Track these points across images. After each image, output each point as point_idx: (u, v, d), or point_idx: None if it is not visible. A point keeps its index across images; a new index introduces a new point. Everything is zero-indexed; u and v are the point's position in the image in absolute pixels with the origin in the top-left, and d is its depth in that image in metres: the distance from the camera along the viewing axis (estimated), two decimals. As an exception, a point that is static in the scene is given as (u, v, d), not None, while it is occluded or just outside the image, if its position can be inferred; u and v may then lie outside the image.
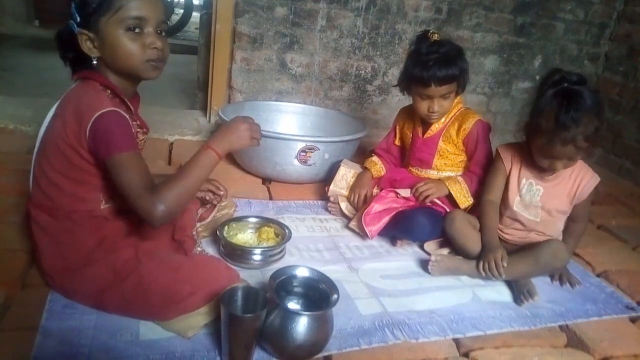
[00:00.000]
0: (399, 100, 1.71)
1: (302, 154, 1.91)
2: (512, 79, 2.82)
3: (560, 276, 1.53)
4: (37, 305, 1.12)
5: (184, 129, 2.44)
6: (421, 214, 1.58)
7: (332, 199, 1.82)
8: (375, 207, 1.63)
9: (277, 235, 1.52)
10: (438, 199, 1.64)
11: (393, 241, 1.66)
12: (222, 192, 1.47)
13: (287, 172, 1.97)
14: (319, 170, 1.98)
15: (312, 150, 1.91)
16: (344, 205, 1.79)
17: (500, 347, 1.22)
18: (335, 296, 1.11)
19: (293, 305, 1.21)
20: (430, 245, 1.62)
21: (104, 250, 1.15)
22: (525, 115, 1.53)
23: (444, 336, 1.22)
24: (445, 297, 1.39)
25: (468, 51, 2.61)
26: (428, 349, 1.18)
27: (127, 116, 1.12)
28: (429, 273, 1.48)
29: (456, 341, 1.22)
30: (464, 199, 1.63)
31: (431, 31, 1.58)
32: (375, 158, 1.85)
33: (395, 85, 1.70)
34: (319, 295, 1.16)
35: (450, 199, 1.64)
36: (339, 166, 1.84)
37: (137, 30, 1.09)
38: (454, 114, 1.67)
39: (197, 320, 1.10)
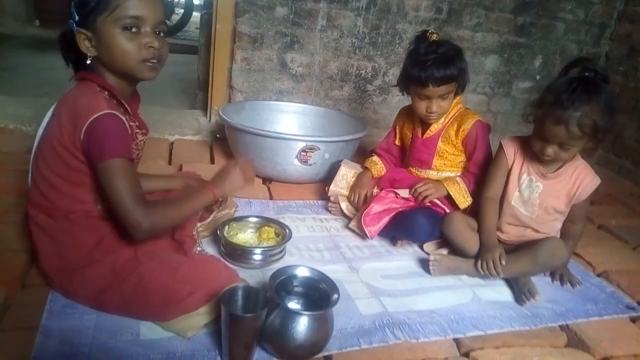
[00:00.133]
0: (399, 100, 1.71)
1: (302, 153, 1.91)
2: (512, 79, 2.83)
3: (561, 276, 1.53)
4: (37, 305, 1.12)
5: (184, 129, 2.44)
6: (421, 214, 1.58)
7: (332, 198, 1.82)
8: (375, 207, 1.63)
9: (277, 235, 1.52)
10: (437, 199, 1.64)
11: (393, 241, 1.66)
12: (221, 198, 1.46)
13: (287, 172, 1.97)
14: (319, 170, 1.98)
15: (313, 150, 1.91)
16: (344, 205, 1.79)
17: (500, 347, 1.22)
18: (335, 296, 1.11)
19: (293, 305, 1.21)
20: (429, 246, 1.62)
21: (104, 251, 1.15)
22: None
23: (444, 336, 1.22)
24: (446, 297, 1.39)
25: (468, 51, 2.61)
26: (428, 349, 1.18)
27: (125, 118, 1.11)
28: (430, 273, 1.48)
29: (456, 341, 1.22)
30: (463, 200, 1.63)
31: (430, 31, 1.57)
32: (375, 158, 1.85)
33: (395, 85, 1.70)
34: (320, 295, 1.16)
35: (449, 199, 1.64)
36: (339, 166, 1.84)
37: (134, 29, 1.09)
38: (453, 115, 1.67)
39: (197, 320, 1.10)
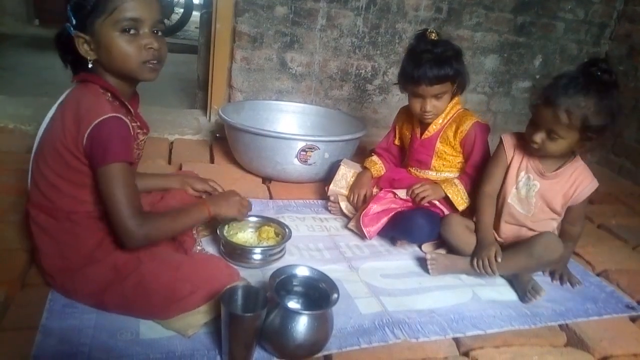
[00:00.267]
0: (399, 99, 1.72)
1: (302, 153, 1.91)
2: (512, 79, 2.82)
3: (561, 276, 1.53)
4: (37, 304, 1.12)
5: (184, 128, 2.44)
6: (419, 215, 1.57)
7: (332, 198, 1.82)
8: (374, 207, 1.63)
9: (277, 234, 1.52)
10: (435, 200, 1.64)
11: (393, 241, 1.66)
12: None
13: (287, 172, 1.97)
14: (319, 170, 1.98)
15: (312, 150, 1.91)
16: (344, 204, 1.79)
17: (500, 346, 1.22)
18: (335, 295, 1.11)
19: (293, 304, 1.21)
20: (427, 247, 1.62)
21: (105, 250, 1.15)
22: (525, 115, 1.52)
23: (444, 335, 1.22)
24: (445, 296, 1.39)
25: (468, 50, 2.61)
26: (428, 348, 1.18)
27: (128, 120, 1.11)
28: (429, 273, 1.48)
29: (456, 340, 1.22)
30: (461, 201, 1.63)
31: (429, 30, 1.57)
32: (375, 157, 1.85)
33: (395, 83, 1.70)
34: (319, 294, 1.16)
35: (447, 200, 1.64)
36: (339, 165, 1.84)
37: (132, 31, 1.08)
38: (452, 116, 1.67)
39: (197, 319, 1.10)
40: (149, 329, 1.10)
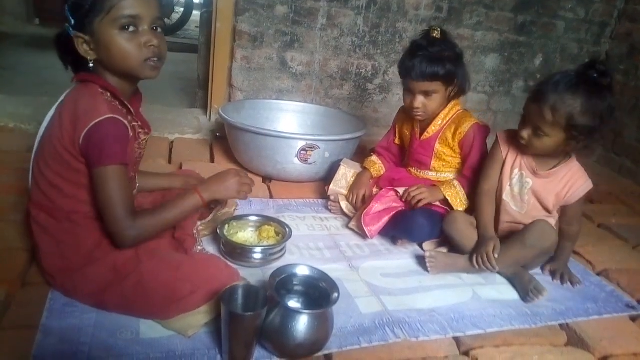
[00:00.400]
0: (400, 98, 1.71)
1: (302, 152, 1.91)
2: (512, 78, 2.82)
3: (562, 275, 1.53)
4: (38, 303, 1.12)
5: (184, 128, 2.44)
6: (420, 214, 1.57)
7: (332, 197, 1.82)
8: (376, 206, 1.62)
9: (277, 233, 1.52)
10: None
11: (393, 240, 1.66)
12: (222, 200, 1.46)
13: (287, 171, 1.97)
14: (319, 169, 1.98)
15: (313, 149, 1.91)
16: (344, 204, 1.79)
17: (500, 346, 1.22)
18: (335, 295, 1.11)
19: (293, 303, 1.21)
20: (428, 245, 1.62)
21: (104, 250, 1.14)
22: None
23: (444, 335, 1.22)
24: (446, 295, 1.39)
25: (469, 50, 2.61)
26: (428, 348, 1.18)
27: (126, 122, 1.10)
28: (428, 271, 1.48)
29: (456, 340, 1.22)
30: (460, 203, 1.62)
31: (433, 27, 1.57)
32: (374, 157, 1.85)
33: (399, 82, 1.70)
34: (320, 293, 1.16)
35: (446, 201, 1.64)
36: (339, 165, 1.84)
37: (131, 29, 1.08)
38: (451, 117, 1.66)
39: (197, 319, 1.10)
40: (149, 328, 1.10)
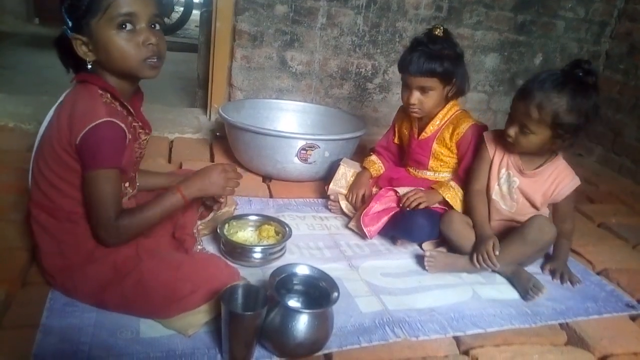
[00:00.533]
0: (400, 98, 1.72)
1: (302, 152, 1.91)
2: (512, 77, 2.82)
3: (562, 274, 1.53)
4: (38, 303, 1.12)
5: (184, 127, 2.43)
6: (420, 215, 1.57)
7: (332, 197, 1.82)
8: (375, 207, 1.62)
9: (277, 233, 1.52)
10: None
11: (393, 240, 1.66)
12: (222, 200, 1.45)
13: (287, 170, 1.97)
14: (319, 168, 1.98)
15: (313, 148, 1.91)
16: (344, 203, 1.79)
17: (500, 345, 1.22)
18: (335, 294, 1.11)
19: (293, 303, 1.21)
20: (428, 246, 1.62)
21: (104, 249, 1.14)
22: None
23: (444, 334, 1.22)
24: (446, 295, 1.39)
25: (468, 49, 2.61)
26: (428, 347, 1.18)
27: (123, 125, 1.10)
28: (426, 270, 1.48)
29: (456, 339, 1.22)
30: (459, 204, 1.62)
31: (436, 26, 1.58)
32: (374, 157, 1.85)
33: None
34: (320, 293, 1.16)
35: (446, 202, 1.63)
36: (338, 165, 1.84)
37: (128, 27, 1.07)
38: (449, 117, 1.66)
39: (197, 319, 1.10)
40: (150, 328, 1.10)
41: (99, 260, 1.13)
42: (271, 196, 1.91)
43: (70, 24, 1.07)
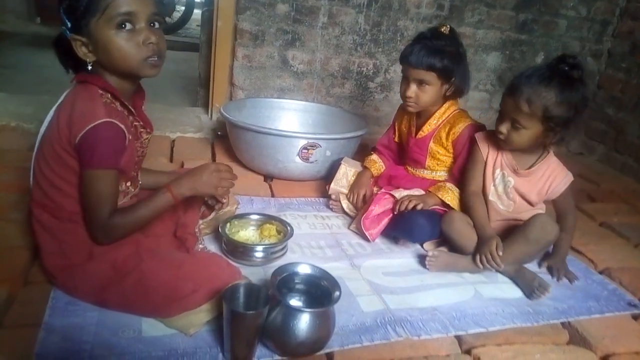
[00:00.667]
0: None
1: (304, 151, 1.91)
2: (514, 76, 2.81)
3: (558, 271, 1.52)
4: (40, 302, 1.12)
5: (185, 126, 2.44)
6: (420, 215, 1.56)
7: (333, 196, 1.82)
8: (374, 210, 1.62)
9: (279, 232, 1.52)
10: None
11: (395, 239, 1.65)
12: (224, 200, 1.45)
13: (288, 170, 1.97)
14: (320, 168, 1.98)
15: (314, 148, 1.91)
16: (345, 203, 1.79)
17: (502, 344, 1.21)
18: (337, 293, 1.11)
19: (295, 302, 1.21)
20: (429, 246, 1.62)
21: (104, 248, 1.14)
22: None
23: (446, 333, 1.22)
24: (447, 294, 1.39)
25: (470, 48, 2.61)
26: (430, 346, 1.18)
27: (123, 125, 1.09)
28: (427, 269, 1.48)
29: (458, 338, 1.22)
30: (460, 205, 1.62)
31: (443, 24, 1.59)
32: (374, 156, 1.85)
33: None
34: (321, 292, 1.16)
35: (444, 204, 1.63)
36: (339, 164, 1.84)
37: (128, 26, 1.06)
38: (447, 117, 1.66)
39: (199, 318, 1.10)
40: (151, 327, 1.10)
41: (97, 258, 1.13)
42: (273, 195, 1.91)
43: (69, 24, 1.07)
